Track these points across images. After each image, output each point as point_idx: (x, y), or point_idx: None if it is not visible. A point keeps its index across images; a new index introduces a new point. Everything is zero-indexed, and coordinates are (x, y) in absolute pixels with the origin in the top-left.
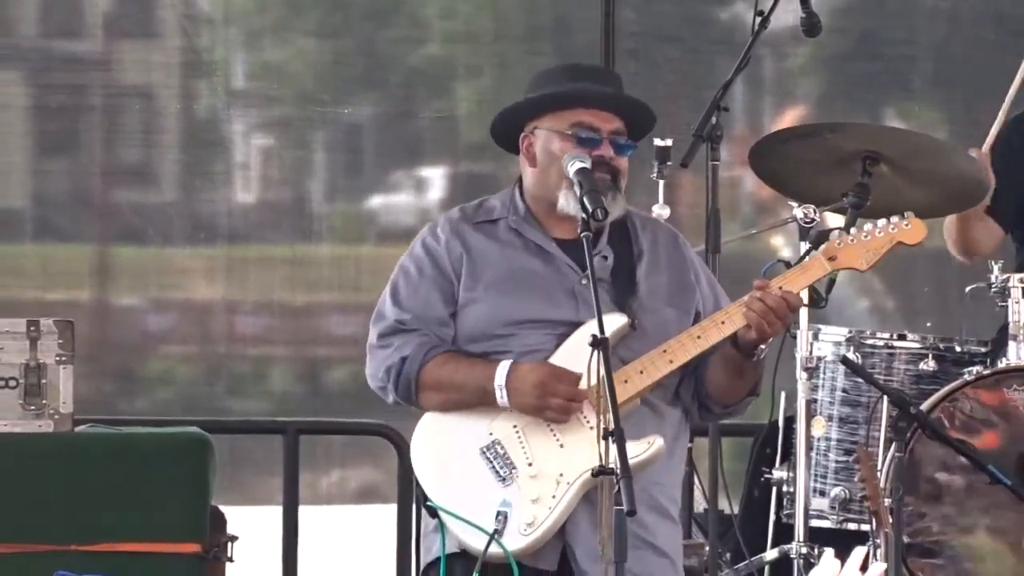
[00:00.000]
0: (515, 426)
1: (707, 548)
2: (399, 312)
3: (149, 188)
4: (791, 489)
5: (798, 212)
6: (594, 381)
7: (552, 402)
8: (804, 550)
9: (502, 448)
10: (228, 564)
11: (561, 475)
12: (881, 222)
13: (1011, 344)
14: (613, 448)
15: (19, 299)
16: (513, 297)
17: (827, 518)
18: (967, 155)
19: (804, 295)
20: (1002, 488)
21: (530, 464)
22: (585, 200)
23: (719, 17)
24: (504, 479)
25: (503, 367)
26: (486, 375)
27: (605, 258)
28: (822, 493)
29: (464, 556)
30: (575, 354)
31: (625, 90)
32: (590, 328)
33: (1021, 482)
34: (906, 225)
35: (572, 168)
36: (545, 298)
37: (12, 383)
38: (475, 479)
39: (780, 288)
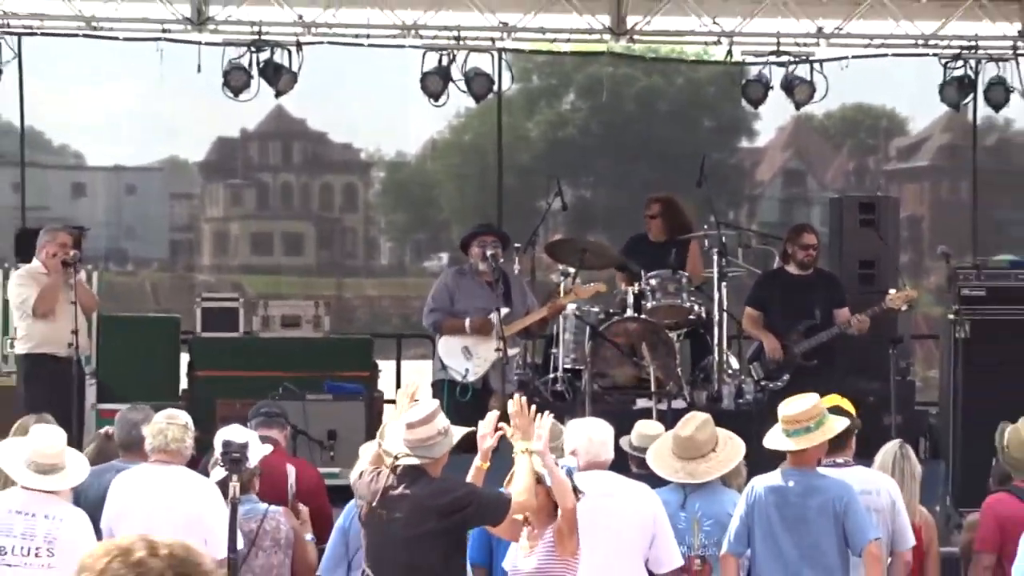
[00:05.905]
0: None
1: (530, 376)
2: (435, 303)
3: None
4: (558, 356)
5: (558, 270)
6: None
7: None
8: (560, 374)
9: (468, 349)
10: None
11: (488, 354)
12: (589, 284)
13: (627, 310)
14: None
15: None
16: (472, 301)
17: (569, 365)
18: (616, 248)
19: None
20: (619, 351)
21: (476, 354)
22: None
23: (543, 206)
24: (468, 357)
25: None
26: (462, 324)
27: (501, 287)
28: (564, 356)
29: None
30: (492, 317)
31: (503, 226)
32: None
33: (631, 349)
34: (592, 284)
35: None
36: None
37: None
38: (458, 356)
39: (554, 302)
